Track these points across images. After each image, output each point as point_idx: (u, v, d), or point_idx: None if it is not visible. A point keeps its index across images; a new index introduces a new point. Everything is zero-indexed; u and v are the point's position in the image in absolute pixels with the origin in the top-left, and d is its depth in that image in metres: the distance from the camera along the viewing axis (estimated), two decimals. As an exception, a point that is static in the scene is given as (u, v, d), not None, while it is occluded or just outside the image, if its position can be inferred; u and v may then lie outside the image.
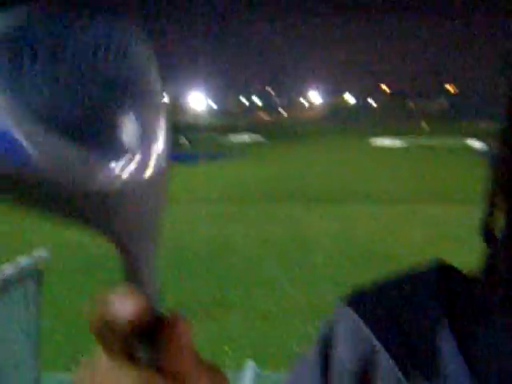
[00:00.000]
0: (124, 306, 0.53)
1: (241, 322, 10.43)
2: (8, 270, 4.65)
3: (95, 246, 15.58)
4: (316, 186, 27.38)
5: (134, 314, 0.52)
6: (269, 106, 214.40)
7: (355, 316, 0.91)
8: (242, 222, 19.20)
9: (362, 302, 0.95)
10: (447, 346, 0.86)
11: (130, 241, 0.57)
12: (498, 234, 0.91)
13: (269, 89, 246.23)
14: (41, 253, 4.99)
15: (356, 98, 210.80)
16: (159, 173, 0.53)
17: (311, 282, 12.27)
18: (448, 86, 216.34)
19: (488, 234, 0.92)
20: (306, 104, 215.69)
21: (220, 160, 41.91)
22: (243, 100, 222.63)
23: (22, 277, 4.80)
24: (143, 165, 0.51)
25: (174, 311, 0.56)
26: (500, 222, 0.90)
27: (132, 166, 0.50)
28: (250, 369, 5.73)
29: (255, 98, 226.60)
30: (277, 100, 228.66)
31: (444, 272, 0.96)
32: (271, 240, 16.07)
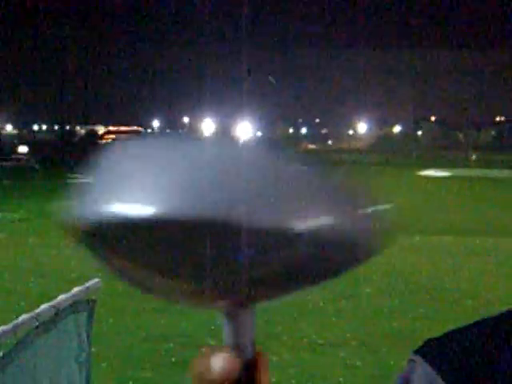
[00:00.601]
0: (222, 367, 0.57)
1: (288, 353, 10.39)
2: (63, 299, 4.66)
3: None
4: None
5: (229, 376, 0.57)
6: (315, 136, 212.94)
7: (430, 369, 0.90)
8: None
9: (437, 354, 0.92)
10: None
11: None
12: None
13: (316, 120, 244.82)
14: (94, 283, 4.93)
15: (403, 129, 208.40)
16: None
17: (358, 313, 12.18)
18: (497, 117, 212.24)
19: None
20: (353, 134, 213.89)
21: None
22: (290, 130, 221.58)
23: (75, 306, 4.78)
24: None
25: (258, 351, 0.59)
26: None
27: None
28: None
29: (303, 129, 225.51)
30: (323, 131, 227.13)
31: None
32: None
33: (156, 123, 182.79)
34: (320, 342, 10.66)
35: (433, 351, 0.93)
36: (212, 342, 11.05)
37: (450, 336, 0.95)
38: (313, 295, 13.77)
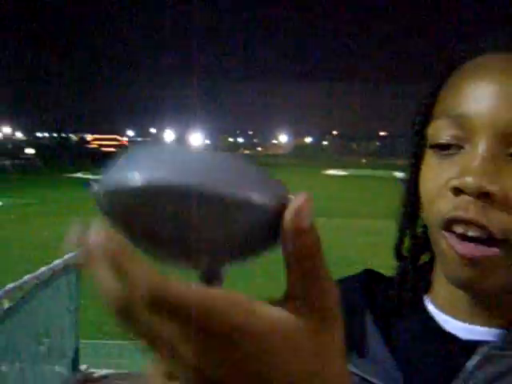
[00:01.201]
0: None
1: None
2: (57, 264, 4.68)
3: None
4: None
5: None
6: (249, 144, 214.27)
7: None
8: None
9: None
10: (372, 332, 0.86)
11: None
12: (406, 252, 0.90)
13: (250, 132, 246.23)
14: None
15: (313, 140, 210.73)
16: None
17: (279, 275, 12.21)
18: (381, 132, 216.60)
19: (399, 253, 0.91)
20: (277, 143, 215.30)
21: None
22: (230, 139, 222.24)
23: (66, 269, 4.83)
24: None
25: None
26: (406, 243, 0.89)
27: None
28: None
29: (239, 139, 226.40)
30: (255, 140, 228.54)
31: (370, 277, 0.96)
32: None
33: (130, 132, 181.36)
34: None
35: None
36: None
37: None
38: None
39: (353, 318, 0.87)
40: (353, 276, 0.97)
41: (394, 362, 0.82)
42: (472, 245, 0.70)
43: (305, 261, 0.43)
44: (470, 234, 0.70)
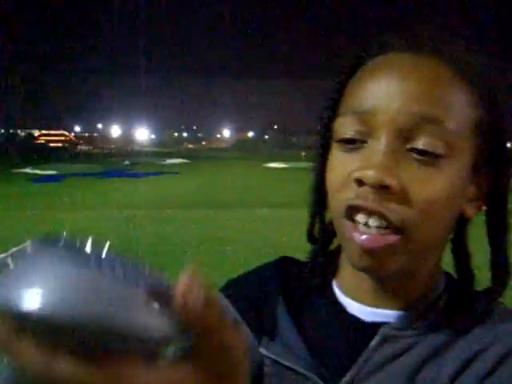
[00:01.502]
0: None
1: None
2: (2, 258, 4.60)
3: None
4: (227, 194, 27.32)
5: None
6: (193, 139, 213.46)
7: (226, 302, 0.92)
8: (174, 223, 19.02)
9: (230, 289, 0.97)
10: (282, 315, 0.89)
11: None
12: (317, 235, 0.94)
13: (194, 127, 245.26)
14: (27, 244, 4.98)
15: (255, 134, 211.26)
16: None
17: (225, 268, 12.19)
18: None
19: (311, 236, 0.95)
20: (220, 137, 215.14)
21: (157, 177, 41.37)
22: (175, 134, 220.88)
23: None
24: None
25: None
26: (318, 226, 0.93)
27: None
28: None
29: (184, 133, 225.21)
30: (199, 134, 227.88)
31: (285, 262, 0.99)
32: (194, 236, 15.95)
33: (77, 128, 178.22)
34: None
35: (229, 287, 0.98)
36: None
37: (242, 276, 1.01)
38: (191, 251, 13.77)
39: (266, 304, 0.91)
40: (269, 263, 1.01)
41: (303, 345, 0.86)
42: (372, 235, 0.73)
43: (206, 330, 0.43)
44: (371, 223, 0.73)
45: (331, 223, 0.89)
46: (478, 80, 0.78)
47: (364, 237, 0.74)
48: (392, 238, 0.73)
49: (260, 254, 13.12)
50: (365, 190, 0.72)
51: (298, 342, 0.86)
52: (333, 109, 0.85)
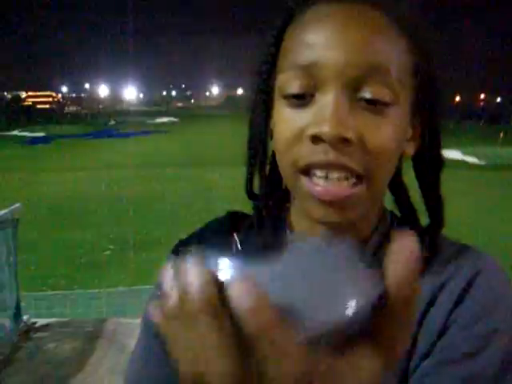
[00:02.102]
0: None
1: (164, 253, 10.36)
2: None
3: (58, 199, 15.19)
4: (216, 152, 27.38)
5: None
6: (182, 97, 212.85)
7: (178, 260, 0.93)
8: (163, 181, 19.09)
9: (182, 248, 0.98)
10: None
11: None
12: (257, 191, 0.93)
13: (183, 85, 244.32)
14: (16, 207, 5.05)
15: (245, 92, 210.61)
16: None
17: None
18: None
19: (250, 193, 0.94)
20: (209, 95, 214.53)
21: (146, 136, 41.32)
22: (164, 93, 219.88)
23: (2, 224, 4.80)
24: None
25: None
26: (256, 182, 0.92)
27: None
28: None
29: (173, 92, 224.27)
30: (188, 92, 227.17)
31: (235, 216, 1.00)
32: (183, 193, 16.03)
33: (64, 88, 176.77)
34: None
35: (181, 247, 0.99)
36: (111, 247, 11.04)
37: (193, 234, 1.00)
38: (182, 210, 13.84)
39: (219, 251, 0.91)
40: (220, 218, 1.01)
41: None
42: (334, 187, 0.72)
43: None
44: (330, 176, 0.73)
45: (271, 178, 0.91)
46: (411, 28, 0.78)
47: (323, 191, 0.73)
48: (358, 187, 0.73)
49: (250, 210, 13.16)
50: (322, 146, 0.72)
51: None
52: (270, 63, 0.82)
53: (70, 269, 9.66)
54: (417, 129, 0.83)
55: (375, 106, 0.72)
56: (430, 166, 0.86)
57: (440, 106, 0.83)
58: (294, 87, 0.74)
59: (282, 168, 0.79)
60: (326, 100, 0.72)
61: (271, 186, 0.92)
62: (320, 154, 0.71)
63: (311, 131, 0.71)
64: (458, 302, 0.78)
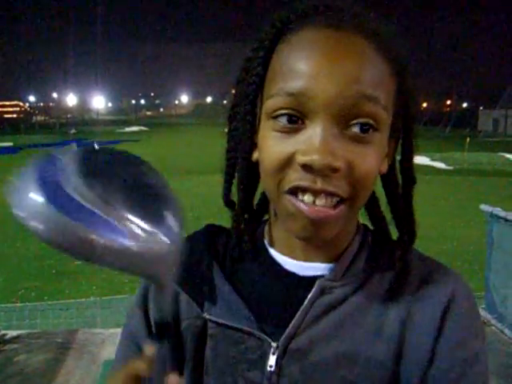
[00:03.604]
0: None
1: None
2: None
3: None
4: (188, 161, 27.28)
5: None
6: (151, 106, 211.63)
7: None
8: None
9: None
10: (219, 279, 0.92)
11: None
12: (235, 200, 0.95)
13: (152, 93, 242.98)
14: None
15: (214, 99, 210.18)
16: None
17: (185, 232, 12.18)
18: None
19: (228, 202, 0.95)
20: (178, 103, 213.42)
21: (117, 145, 40.98)
22: (133, 101, 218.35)
23: None
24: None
25: None
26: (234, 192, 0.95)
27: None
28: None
29: (142, 101, 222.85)
30: (157, 101, 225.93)
31: (213, 230, 1.02)
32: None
33: (32, 98, 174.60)
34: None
35: None
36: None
37: None
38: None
39: (201, 271, 0.94)
40: (197, 232, 1.03)
41: (244, 304, 0.89)
42: (319, 208, 0.75)
43: None
44: (318, 203, 0.76)
45: (251, 192, 0.95)
46: (394, 53, 0.80)
47: (312, 211, 0.75)
48: (341, 208, 0.77)
49: (222, 219, 13.14)
50: (312, 173, 0.74)
51: (238, 303, 0.89)
52: (257, 84, 0.83)
53: (40, 280, 9.49)
54: (391, 147, 0.87)
55: (363, 134, 0.75)
56: (403, 180, 0.90)
57: (414, 122, 0.87)
58: (283, 112, 0.76)
59: (267, 186, 0.82)
60: (316, 129, 0.74)
61: (249, 197, 0.95)
62: (308, 180, 0.74)
63: (301, 159, 0.74)
64: (440, 328, 0.83)
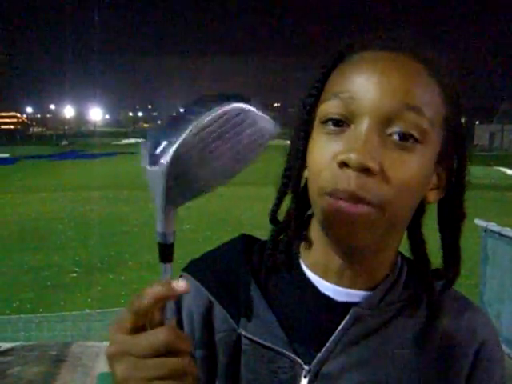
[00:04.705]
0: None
1: (131, 274, 10.26)
2: None
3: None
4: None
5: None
6: (149, 118, 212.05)
7: (195, 281, 0.94)
8: (130, 202, 18.95)
9: (198, 270, 0.98)
10: (255, 294, 0.92)
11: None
12: (281, 218, 0.97)
13: (149, 105, 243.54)
14: None
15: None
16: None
17: (185, 246, 12.18)
18: (275, 103, 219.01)
19: (274, 219, 0.97)
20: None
21: (113, 157, 40.97)
22: (130, 114, 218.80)
23: None
24: None
25: None
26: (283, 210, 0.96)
27: None
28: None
29: (139, 113, 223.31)
30: (154, 113, 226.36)
31: (249, 242, 1.01)
32: (150, 214, 15.90)
33: (29, 109, 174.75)
34: (156, 263, 10.58)
35: (195, 267, 0.98)
36: (77, 269, 10.89)
37: (206, 255, 1.01)
38: (148, 230, 13.77)
39: (237, 283, 0.94)
40: (232, 241, 1.02)
41: (278, 324, 0.89)
42: (350, 206, 0.77)
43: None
44: (349, 203, 0.77)
45: (302, 200, 0.93)
46: (445, 80, 0.84)
47: (346, 205, 0.77)
48: (366, 208, 0.77)
49: (218, 231, 13.22)
50: (347, 173, 0.77)
51: (273, 321, 0.89)
52: (316, 95, 0.88)
53: (35, 292, 9.47)
54: (442, 178, 0.89)
55: (404, 141, 0.78)
56: (451, 216, 0.92)
57: (466, 161, 0.89)
58: (333, 115, 0.81)
59: (311, 189, 0.85)
60: (359, 131, 0.78)
61: (300, 209, 0.96)
62: (344, 181, 0.77)
63: (340, 157, 0.77)
64: (470, 375, 0.89)
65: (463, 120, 0.89)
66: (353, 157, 0.75)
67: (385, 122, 0.78)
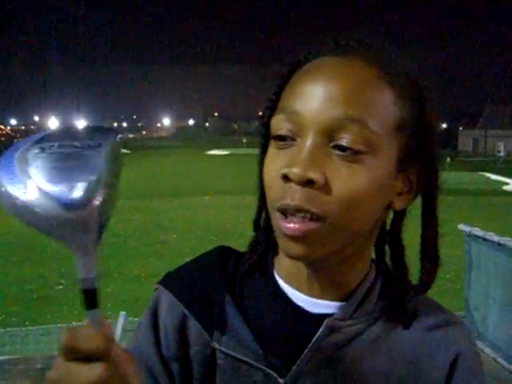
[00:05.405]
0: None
1: (119, 284, 10.21)
2: None
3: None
4: (169, 183, 27.25)
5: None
6: (133, 128, 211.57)
7: (170, 294, 0.94)
8: (117, 214, 18.87)
9: (173, 282, 0.97)
10: (230, 308, 0.91)
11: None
12: (262, 224, 0.97)
13: (134, 116, 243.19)
14: None
15: (196, 121, 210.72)
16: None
17: (169, 257, 12.14)
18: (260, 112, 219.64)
19: (256, 225, 0.98)
20: (160, 126, 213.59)
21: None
22: (115, 124, 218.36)
23: None
24: None
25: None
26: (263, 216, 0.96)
27: None
28: (122, 318, 5.68)
29: (124, 123, 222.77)
30: (139, 124, 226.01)
31: (224, 253, 1.01)
32: (139, 225, 15.87)
33: (13, 121, 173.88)
34: (142, 275, 10.58)
35: (170, 280, 0.98)
36: (63, 281, 10.82)
37: (182, 268, 1.00)
38: (135, 241, 13.72)
39: (212, 296, 0.93)
40: (208, 253, 1.02)
41: (252, 337, 0.89)
42: (296, 225, 0.78)
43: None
44: (296, 217, 0.78)
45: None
46: (400, 81, 0.83)
47: (288, 227, 0.78)
48: (312, 225, 0.77)
49: (204, 241, 13.17)
50: (291, 187, 0.77)
51: (247, 335, 0.89)
52: (271, 108, 0.88)
53: (20, 305, 9.39)
54: (412, 182, 0.88)
55: (347, 153, 0.77)
56: (426, 219, 0.92)
57: (435, 159, 0.88)
58: (279, 130, 0.82)
59: (267, 205, 0.85)
60: (303, 145, 0.78)
61: (268, 225, 0.94)
62: (288, 197, 0.77)
63: (282, 171, 0.78)
64: (448, 382, 0.89)
65: (433, 118, 0.87)
66: (294, 170, 0.76)
67: (327, 134, 0.78)
